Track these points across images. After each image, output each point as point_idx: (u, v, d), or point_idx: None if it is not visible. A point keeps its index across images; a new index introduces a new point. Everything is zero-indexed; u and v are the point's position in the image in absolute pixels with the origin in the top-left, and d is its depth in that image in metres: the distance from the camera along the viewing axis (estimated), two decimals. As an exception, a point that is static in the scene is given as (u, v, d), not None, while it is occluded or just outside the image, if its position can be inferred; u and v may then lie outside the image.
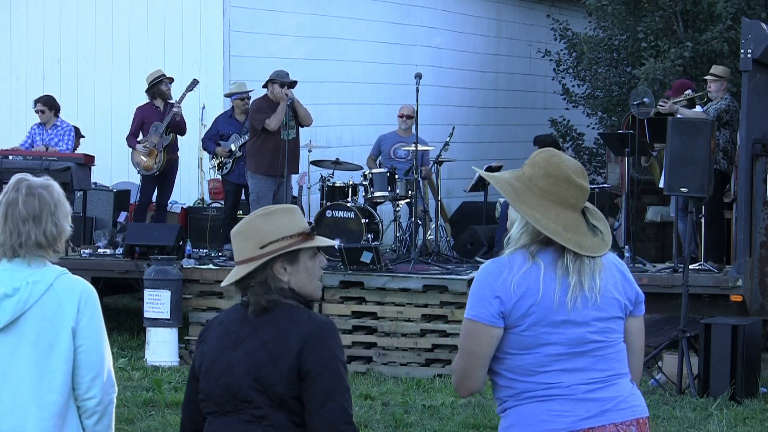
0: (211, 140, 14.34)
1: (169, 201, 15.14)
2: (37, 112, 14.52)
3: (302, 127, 13.56)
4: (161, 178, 14.40)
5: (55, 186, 4.38)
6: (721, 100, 12.91)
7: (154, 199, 14.61)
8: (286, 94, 13.25)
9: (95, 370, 4.33)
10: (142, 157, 14.18)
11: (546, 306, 4.01)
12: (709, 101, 13.14)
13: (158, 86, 14.38)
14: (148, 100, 14.48)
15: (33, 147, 14.46)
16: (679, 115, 12.58)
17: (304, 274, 4.07)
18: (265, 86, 13.49)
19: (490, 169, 14.49)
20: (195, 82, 14.48)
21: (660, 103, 13.26)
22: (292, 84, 13.45)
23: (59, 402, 4.29)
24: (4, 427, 4.28)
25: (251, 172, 13.41)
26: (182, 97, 14.38)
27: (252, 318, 4.03)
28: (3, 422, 4.29)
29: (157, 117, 14.32)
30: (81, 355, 4.31)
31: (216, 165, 14.40)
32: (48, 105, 14.52)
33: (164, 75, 14.44)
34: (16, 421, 4.27)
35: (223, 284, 4.13)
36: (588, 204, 4.21)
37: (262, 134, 13.29)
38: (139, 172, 14.37)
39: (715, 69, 13.29)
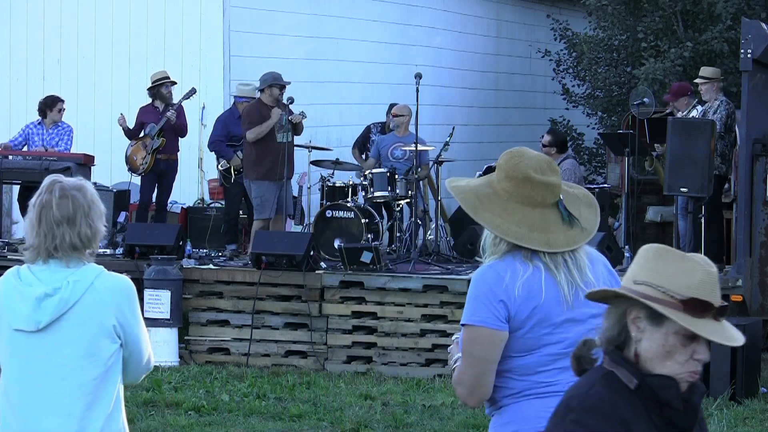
0: (224, 142, 14.22)
1: (169, 201, 15.15)
2: (60, 111, 14.57)
3: (296, 135, 13.59)
4: (159, 177, 14.40)
5: (89, 187, 4.37)
6: (719, 104, 12.92)
7: (154, 199, 14.62)
8: (302, 114, 13.35)
9: (139, 362, 4.41)
10: (133, 156, 14.23)
11: (548, 307, 4.01)
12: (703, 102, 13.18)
13: (159, 89, 14.38)
14: (150, 100, 14.48)
15: (27, 145, 14.46)
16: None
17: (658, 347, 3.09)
18: (261, 90, 13.40)
19: (490, 169, 14.47)
20: (193, 91, 14.48)
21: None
22: (282, 87, 13.44)
23: (102, 399, 4.30)
24: (47, 426, 4.29)
25: (252, 179, 13.30)
26: (179, 104, 14.37)
27: None
28: (47, 422, 4.29)
29: (155, 118, 14.32)
30: (127, 348, 4.36)
31: (229, 170, 14.23)
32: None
33: (168, 78, 14.42)
34: (60, 418, 4.27)
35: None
36: (571, 188, 4.19)
37: (260, 142, 13.23)
38: (129, 170, 14.40)
39: (704, 71, 13.31)
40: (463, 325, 4.06)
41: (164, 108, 14.35)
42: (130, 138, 14.39)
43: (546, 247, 4.02)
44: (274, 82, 13.28)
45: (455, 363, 4.14)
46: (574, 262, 4.05)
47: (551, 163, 4.12)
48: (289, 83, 13.44)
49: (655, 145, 13.90)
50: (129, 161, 14.30)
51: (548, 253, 4.03)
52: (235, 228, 14.39)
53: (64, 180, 4.35)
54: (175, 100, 14.42)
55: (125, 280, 4.38)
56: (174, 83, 14.45)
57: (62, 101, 14.70)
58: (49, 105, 14.64)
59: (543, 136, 14.62)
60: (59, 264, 4.31)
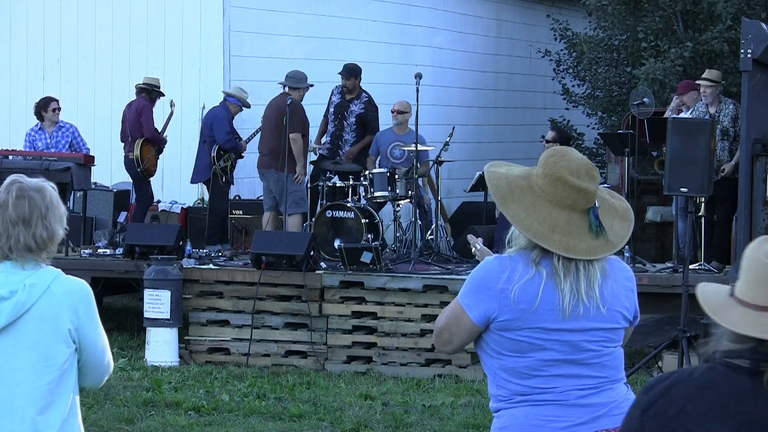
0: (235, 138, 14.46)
1: (169, 201, 15.15)
2: (55, 110, 14.58)
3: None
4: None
5: (48, 188, 4.31)
6: (733, 107, 12.92)
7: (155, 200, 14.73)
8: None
9: (97, 366, 4.38)
10: (146, 156, 14.35)
11: (540, 314, 3.97)
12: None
13: (154, 94, 14.50)
14: (146, 100, 14.52)
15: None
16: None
17: None
18: (295, 88, 13.54)
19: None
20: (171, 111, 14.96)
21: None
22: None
23: (57, 403, 4.28)
24: (1, 430, 4.27)
25: (290, 173, 13.46)
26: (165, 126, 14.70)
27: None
28: (1, 426, 4.27)
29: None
30: (84, 353, 4.33)
31: (227, 167, 14.30)
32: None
33: (158, 88, 14.63)
34: (14, 423, 4.25)
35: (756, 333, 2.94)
36: (612, 198, 4.14)
37: (303, 140, 13.67)
38: (141, 171, 14.45)
39: (710, 73, 13.32)
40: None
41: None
42: (157, 137, 14.49)
43: (564, 251, 3.96)
44: (301, 87, 13.56)
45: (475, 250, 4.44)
46: (585, 273, 3.99)
47: (591, 169, 4.04)
48: (312, 86, 13.69)
49: (663, 147, 13.91)
50: (144, 161, 14.33)
51: (562, 258, 3.97)
52: (223, 227, 14.41)
53: (25, 180, 4.30)
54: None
55: (82, 283, 4.33)
56: (162, 95, 14.74)
57: (55, 101, 14.69)
58: (43, 106, 14.65)
59: (547, 133, 14.62)
60: (15, 266, 4.26)
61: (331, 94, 14.87)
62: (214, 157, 14.31)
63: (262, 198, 14.58)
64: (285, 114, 13.44)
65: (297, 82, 13.62)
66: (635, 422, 3.00)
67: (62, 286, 4.28)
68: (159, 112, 14.85)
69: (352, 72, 14.60)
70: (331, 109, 14.75)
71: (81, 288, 4.32)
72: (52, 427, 4.27)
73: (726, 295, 2.99)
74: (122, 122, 14.71)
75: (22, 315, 4.23)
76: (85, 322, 4.30)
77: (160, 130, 14.69)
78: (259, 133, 14.28)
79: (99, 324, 4.37)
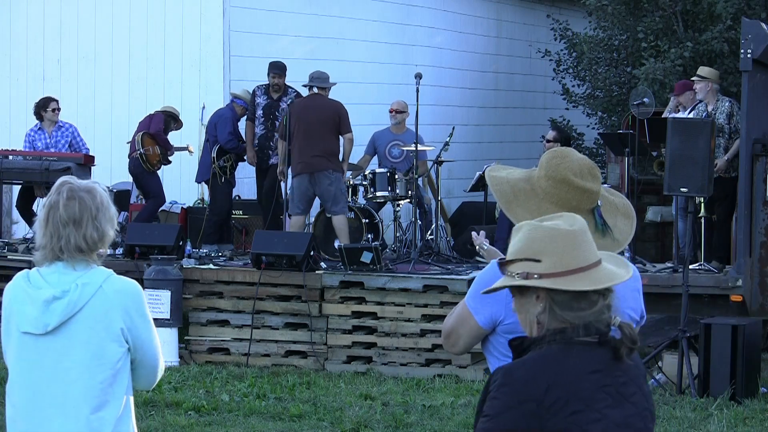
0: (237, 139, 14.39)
1: (169, 201, 15.15)
2: (54, 110, 14.58)
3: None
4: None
5: (99, 189, 4.36)
6: (729, 105, 12.92)
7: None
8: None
9: (151, 367, 4.43)
10: (148, 150, 14.38)
11: None
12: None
13: (171, 121, 14.57)
14: (163, 117, 14.59)
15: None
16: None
17: None
18: (325, 88, 13.46)
19: (490, 168, 14.46)
20: (187, 149, 15.05)
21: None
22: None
23: (111, 402, 4.31)
24: (56, 429, 4.29)
25: (339, 172, 13.30)
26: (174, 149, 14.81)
27: (621, 364, 3.27)
28: (55, 424, 4.29)
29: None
30: (137, 353, 4.36)
31: (227, 167, 14.30)
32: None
33: (177, 118, 14.70)
34: (69, 421, 4.27)
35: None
36: (612, 196, 4.14)
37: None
38: (147, 164, 14.50)
39: (701, 70, 13.34)
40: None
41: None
42: (161, 135, 14.50)
43: None
44: (326, 86, 13.48)
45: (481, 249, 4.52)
46: None
47: (593, 169, 4.06)
48: (330, 84, 13.59)
49: (663, 148, 13.91)
50: (145, 148, 14.36)
51: None
52: (222, 228, 14.40)
53: (75, 182, 4.35)
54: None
55: (133, 283, 4.38)
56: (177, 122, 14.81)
57: (55, 101, 14.69)
58: (42, 106, 14.65)
59: (547, 132, 14.62)
60: (67, 266, 4.30)
61: (254, 96, 14.34)
62: (214, 157, 14.32)
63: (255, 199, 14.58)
64: (338, 115, 13.30)
65: (324, 82, 13.55)
66: (529, 417, 3.13)
67: (114, 286, 4.32)
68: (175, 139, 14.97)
69: (284, 69, 14.21)
70: (259, 112, 14.26)
71: (133, 288, 4.36)
72: (107, 426, 4.30)
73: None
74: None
75: (75, 314, 4.27)
76: (137, 322, 4.34)
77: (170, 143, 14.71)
78: (293, 137, 13.50)
79: (151, 324, 4.40)
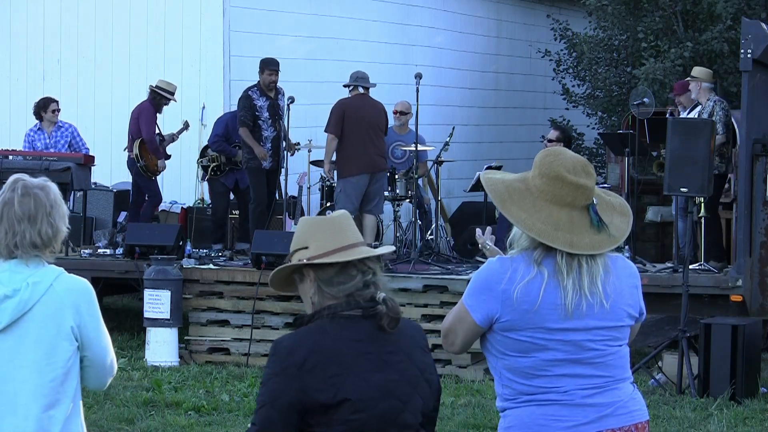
0: (225, 141, 14.20)
1: (169, 201, 15.15)
2: (54, 111, 14.57)
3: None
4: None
5: (52, 187, 4.40)
6: (713, 104, 12.93)
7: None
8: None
9: (100, 366, 4.41)
10: (149, 156, 14.35)
11: (543, 314, 3.98)
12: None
13: (161, 100, 14.40)
14: (150, 103, 14.43)
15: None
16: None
17: None
18: (363, 88, 13.44)
19: (489, 169, 14.47)
20: (186, 126, 14.88)
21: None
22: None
23: (61, 401, 4.30)
24: (6, 428, 4.29)
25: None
26: (175, 135, 14.69)
27: (386, 333, 3.79)
28: (5, 423, 4.29)
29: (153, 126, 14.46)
30: (86, 351, 4.36)
31: (216, 167, 14.27)
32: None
33: (173, 95, 14.43)
34: (18, 421, 4.27)
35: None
36: (608, 196, 4.16)
37: None
38: (145, 168, 14.44)
39: (694, 70, 13.38)
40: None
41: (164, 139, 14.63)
42: (153, 142, 14.36)
43: (568, 248, 3.98)
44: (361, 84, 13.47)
45: (484, 242, 4.50)
46: (588, 268, 4.01)
47: (587, 166, 4.08)
48: (374, 85, 13.56)
49: (663, 149, 13.92)
50: (143, 158, 14.34)
51: (565, 255, 3.99)
52: (223, 227, 14.39)
53: (28, 179, 4.38)
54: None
55: (84, 282, 4.39)
56: (173, 100, 14.50)
57: (55, 101, 14.69)
58: (42, 107, 14.64)
59: (548, 132, 14.61)
60: (20, 264, 4.31)
61: (250, 99, 13.55)
62: (201, 153, 14.44)
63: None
64: (386, 116, 13.34)
65: (368, 82, 13.51)
66: (291, 379, 3.63)
67: (64, 284, 4.33)
68: (168, 122, 14.83)
69: (278, 64, 13.79)
70: (265, 114, 13.58)
71: (83, 286, 4.37)
72: (56, 424, 4.30)
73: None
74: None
75: (25, 313, 4.28)
76: (87, 320, 4.34)
77: (163, 135, 14.62)
78: (348, 136, 13.19)
79: (101, 323, 4.41)
